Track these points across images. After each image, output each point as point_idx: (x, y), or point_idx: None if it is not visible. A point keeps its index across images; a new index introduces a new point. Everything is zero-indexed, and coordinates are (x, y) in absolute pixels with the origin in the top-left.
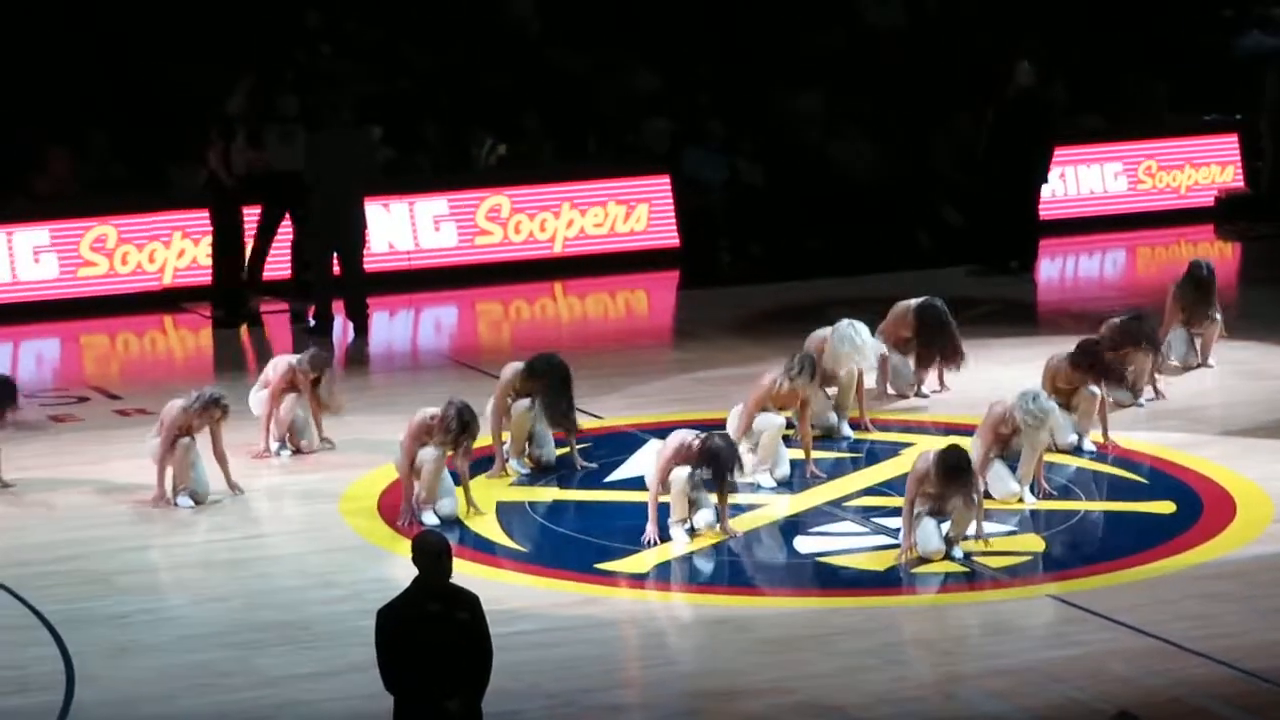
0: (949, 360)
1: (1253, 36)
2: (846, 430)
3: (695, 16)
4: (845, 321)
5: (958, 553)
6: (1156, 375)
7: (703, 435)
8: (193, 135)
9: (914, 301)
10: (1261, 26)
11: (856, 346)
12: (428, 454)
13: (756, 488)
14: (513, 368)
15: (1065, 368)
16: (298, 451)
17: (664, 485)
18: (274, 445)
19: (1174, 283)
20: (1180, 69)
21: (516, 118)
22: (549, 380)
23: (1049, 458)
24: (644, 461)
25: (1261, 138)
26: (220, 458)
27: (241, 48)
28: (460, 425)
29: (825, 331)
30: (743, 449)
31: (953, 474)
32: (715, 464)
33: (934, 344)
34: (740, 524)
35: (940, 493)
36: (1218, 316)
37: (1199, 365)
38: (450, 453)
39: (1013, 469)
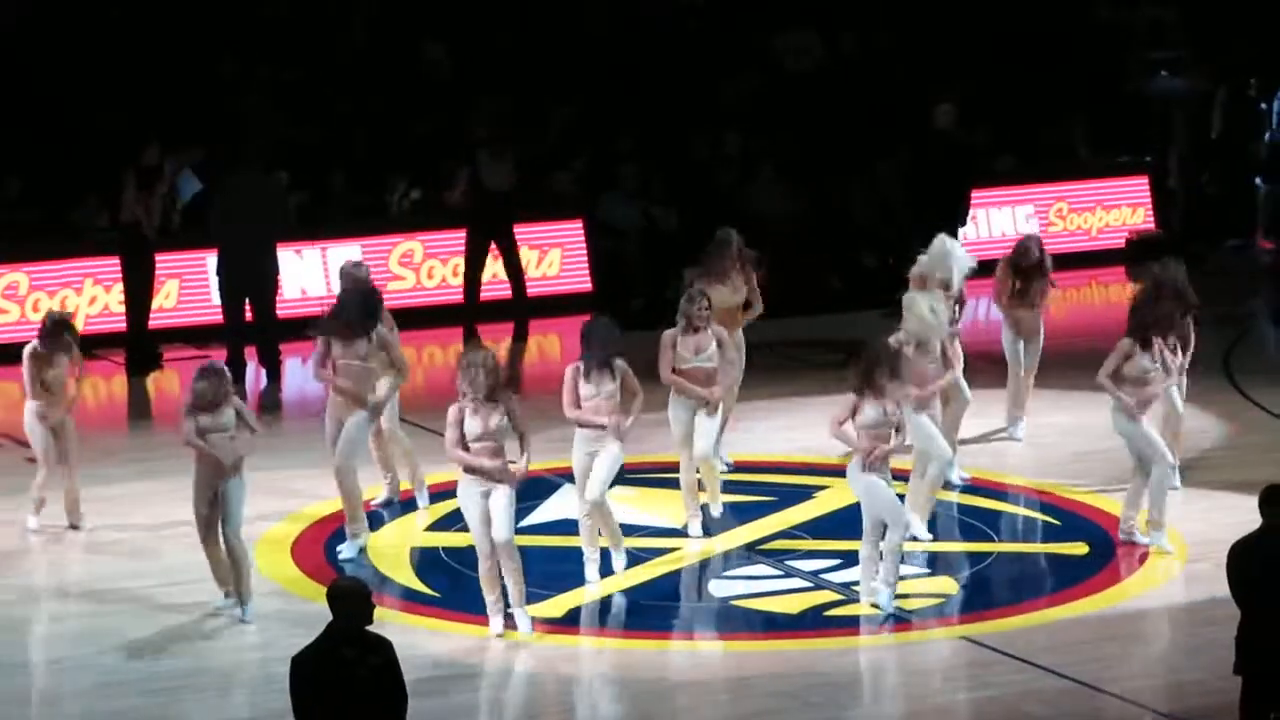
0: None
1: (1161, 79)
2: (723, 464)
3: (611, 62)
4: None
5: (862, 597)
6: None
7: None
8: (100, 180)
9: None
10: (1170, 69)
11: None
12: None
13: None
14: None
15: None
16: None
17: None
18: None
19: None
20: (1095, 111)
21: (433, 162)
22: None
23: (948, 496)
24: (559, 506)
25: (1170, 177)
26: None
27: (156, 93)
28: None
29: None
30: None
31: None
32: (586, 339)
33: None
34: (655, 568)
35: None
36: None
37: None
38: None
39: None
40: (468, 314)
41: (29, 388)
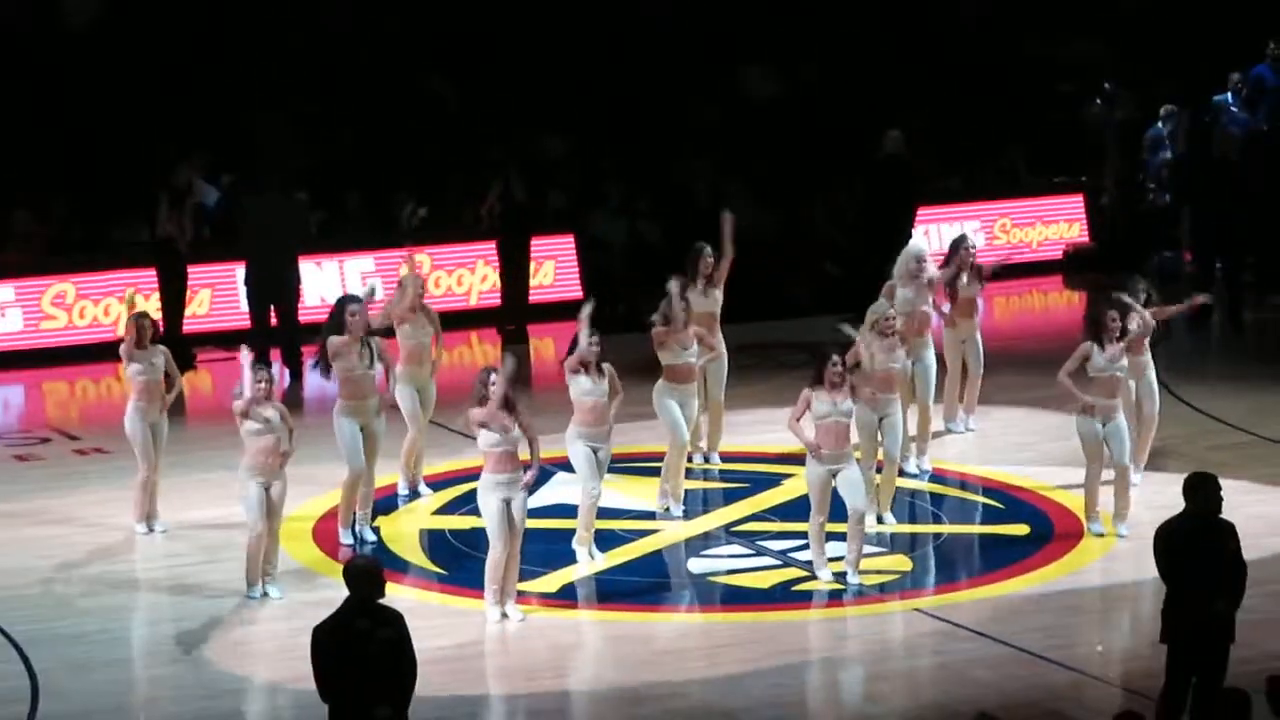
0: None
1: (1095, 108)
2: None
3: (599, 90)
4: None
5: (826, 575)
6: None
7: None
8: (137, 198)
9: None
10: (1102, 99)
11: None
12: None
13: (662, 514)
14: None
15: None
16: None
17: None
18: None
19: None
20: (1034, 138)
21: (439, 183)
22: None
23: (911, 485)
24: (553, 493)
25: (1103, 196)
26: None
27: (187, 115)
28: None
29: None
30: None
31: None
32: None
33: None
34: (640, 547)
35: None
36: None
37: None
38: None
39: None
40: (509, 316)
41: (135, 388)
